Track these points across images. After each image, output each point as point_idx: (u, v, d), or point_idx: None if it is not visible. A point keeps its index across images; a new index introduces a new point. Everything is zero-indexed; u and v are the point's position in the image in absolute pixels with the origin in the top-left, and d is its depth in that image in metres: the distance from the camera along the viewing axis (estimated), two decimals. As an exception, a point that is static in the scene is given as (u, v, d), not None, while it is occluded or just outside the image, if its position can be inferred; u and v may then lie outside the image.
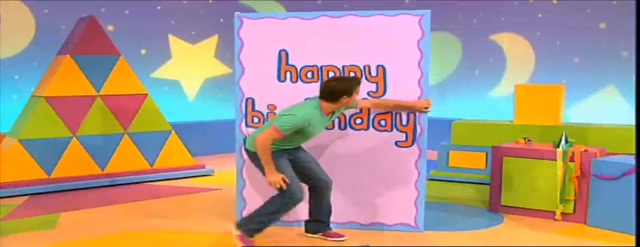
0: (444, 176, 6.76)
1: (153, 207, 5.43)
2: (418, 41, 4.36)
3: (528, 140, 5.37)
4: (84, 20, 6.59)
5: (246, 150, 4.17)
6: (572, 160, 4.78)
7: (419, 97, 4.40)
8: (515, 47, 8.96)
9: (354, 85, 3.98)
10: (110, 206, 5.45)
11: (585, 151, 4.79)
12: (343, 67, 4.45)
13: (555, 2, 8.47)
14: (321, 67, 4.47)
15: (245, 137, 4.28)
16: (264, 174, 3.99)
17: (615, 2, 8.02)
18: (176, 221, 4.94)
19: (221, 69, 9.53)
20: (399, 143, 4.47)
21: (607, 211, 4.59)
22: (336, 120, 4.50)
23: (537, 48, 8.76)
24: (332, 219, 4.44)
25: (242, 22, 4.52)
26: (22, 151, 5.99)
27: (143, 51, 8.71)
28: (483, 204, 5.52)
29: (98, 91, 6.42)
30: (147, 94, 6.78)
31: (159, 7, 8.82)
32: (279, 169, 3.96)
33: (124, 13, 8.42)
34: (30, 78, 7.29)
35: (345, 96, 3.94)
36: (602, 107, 8.06)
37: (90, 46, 6.40)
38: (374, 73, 4.44)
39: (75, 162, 6.26)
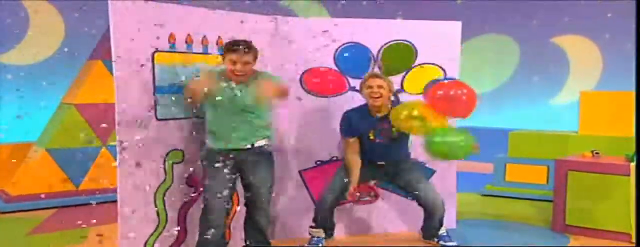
0: (500, 192, 6.62)
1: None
2: None
3: (596, 153, 5.22)
4: (116, 24, 6.68)
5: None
6: (647, 175, 4.61)
7: None
8: (579, 51, 8.74)
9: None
10: (140, 221, 5.49)
11: (663, 165, 4.61)
12: None
13: (629, -1, 8.22)
14: None
15: None
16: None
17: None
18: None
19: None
20: None
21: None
22: None
23: (605, 52, 8.52)
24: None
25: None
26: (50, 161, 6.09)
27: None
28: (544, 223, 5.36)
29: (129, 98, 6.50)
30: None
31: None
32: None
33: (156, 16, 8.53)
34: (59, 84, 7.43)
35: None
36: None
37: (122, 51, 6.48)
38: None
39: (105, 174, 6.30)
